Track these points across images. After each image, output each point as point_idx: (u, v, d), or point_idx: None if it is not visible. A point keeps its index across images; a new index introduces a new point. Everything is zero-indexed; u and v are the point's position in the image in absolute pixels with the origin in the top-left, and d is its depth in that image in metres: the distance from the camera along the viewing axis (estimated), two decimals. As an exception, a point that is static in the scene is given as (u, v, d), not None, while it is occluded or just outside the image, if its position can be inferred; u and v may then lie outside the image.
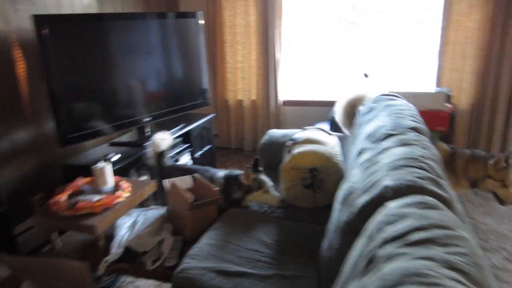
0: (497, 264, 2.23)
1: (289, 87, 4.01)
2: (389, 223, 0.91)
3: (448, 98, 3.15)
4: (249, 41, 3.80)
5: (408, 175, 1.14)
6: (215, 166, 2.21)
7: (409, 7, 3.76)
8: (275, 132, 2.55)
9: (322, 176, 1.88)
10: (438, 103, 2.89)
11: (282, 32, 3.76)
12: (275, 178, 2.02)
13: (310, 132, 2.15)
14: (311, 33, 3.93)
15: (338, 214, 1.29)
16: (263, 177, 1.91)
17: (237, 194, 1.88)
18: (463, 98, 3.63)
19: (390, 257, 0.77)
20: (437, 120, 2.77)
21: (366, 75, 3.37)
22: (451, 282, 0.67)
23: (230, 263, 1.43)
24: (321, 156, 1.90)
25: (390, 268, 0.73)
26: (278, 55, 3.78)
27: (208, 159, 3.37)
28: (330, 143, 2.05)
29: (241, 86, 3.94)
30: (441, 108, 2.88)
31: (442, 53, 3.63)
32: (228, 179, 1.95)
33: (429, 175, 1.17)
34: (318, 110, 3.67)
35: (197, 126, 3.23)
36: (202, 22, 3.21)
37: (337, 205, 1.37)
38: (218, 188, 1.86)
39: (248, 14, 3.71)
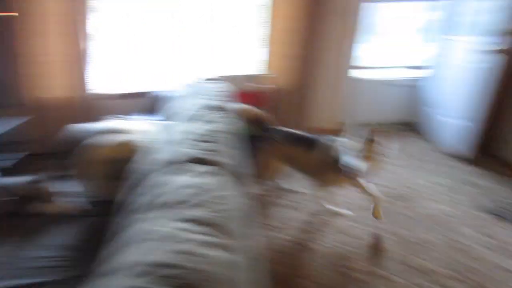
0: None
1: (119, 81, 3.78)
2: (141, 194, 0.90)
3: (271, 80, 3.42)
4: (63, 32, 3.41)
5: (186, 148, 1.16)
6: (30, 175, 1.91)
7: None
8: (76, 127, 2.21)
9: (128, 165, 1.80)
10: (260, 84, 3.11)
11: (98, 22, 3.49)
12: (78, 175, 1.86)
13: (117, 122, 2.04)
14: (131, 22, 3.75)
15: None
16: (52, 184, 1.74)
17: (17, 205, 1.67)
18: (287, 79, 4.01)
19: (138, 220, 0.77)
20: (259, 99, 2.97)
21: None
22: (189, 234, 0.69)
23: (14, 279, 1.25)
24: (126, 145, 1.81)
25: (127, 233, 0.74)
26: (94, 46, 3.49)
27: (24, 168, 2.93)
28: (142, 131, 1.97)
29: (56, 81, 3.52)
30: (263, 89, 3.10)
31: (270, 39, 3.94)
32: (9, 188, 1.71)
33: (213, 147, 1.21)
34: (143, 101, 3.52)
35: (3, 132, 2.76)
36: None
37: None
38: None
39: (57, 1, 3.32)
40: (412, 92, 4.58)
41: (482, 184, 3.20)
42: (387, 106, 4.64)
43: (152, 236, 0.72)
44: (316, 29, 3.88)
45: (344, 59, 4.12)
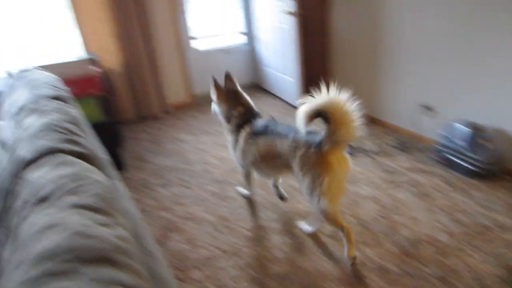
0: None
1: None
2: (23, 190, 0.84)
3: (96, 63, 3.14)
4: None
5: (43, 141, 1.07)
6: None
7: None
8: None
9: None
10: (85, 69, 2.83)
11: None
12: None
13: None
14: None
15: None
16: None
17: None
18: (114, 60, 3.75)
19: (24, 219, 0.75)
20: (90, 85, 2.72)
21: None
22: (77, 217, 0.72)
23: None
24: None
25: (24, 228, 0.72)
26: None
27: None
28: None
29: None
30: (90, 73, 2.84)
31: (78, 20, 3.57)
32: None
33: (66, 137, 1.14)
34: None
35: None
36: None
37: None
38: None
39: None
40: (248, 55, 4.83)
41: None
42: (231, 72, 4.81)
43: (43, 227, 0.68)
44: (138, 3, 3.68)
45: (179, 30, 4.07)
